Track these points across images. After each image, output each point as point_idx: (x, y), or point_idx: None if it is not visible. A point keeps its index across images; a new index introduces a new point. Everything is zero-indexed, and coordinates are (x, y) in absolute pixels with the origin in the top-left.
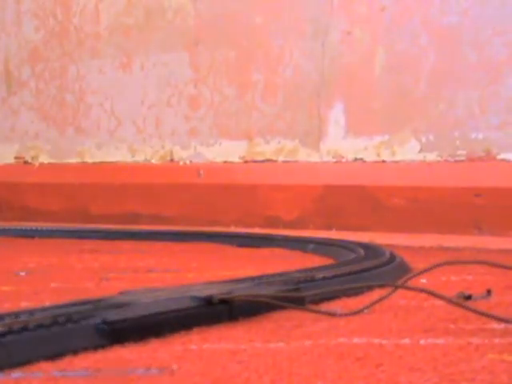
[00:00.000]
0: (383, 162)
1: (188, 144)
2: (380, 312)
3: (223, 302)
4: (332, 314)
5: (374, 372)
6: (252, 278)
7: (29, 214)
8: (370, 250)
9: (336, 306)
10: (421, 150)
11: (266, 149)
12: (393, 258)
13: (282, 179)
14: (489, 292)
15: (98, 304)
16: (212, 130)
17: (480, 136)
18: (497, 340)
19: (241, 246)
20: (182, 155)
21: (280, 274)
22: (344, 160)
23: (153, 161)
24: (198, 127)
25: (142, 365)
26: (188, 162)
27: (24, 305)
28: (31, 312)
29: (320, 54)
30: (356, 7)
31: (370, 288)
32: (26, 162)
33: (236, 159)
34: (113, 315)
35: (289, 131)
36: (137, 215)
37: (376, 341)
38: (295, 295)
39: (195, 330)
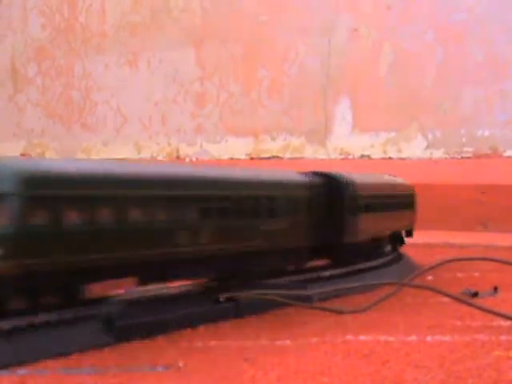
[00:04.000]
0: (390, 158)
1: (194, 141)
2: (386, 309)
3: (230, 299)
4: (339, 312)
5: (381, 369)
6: None
7: None
8: None
9: (343, 303)
10: (427, 147)
11: (273, 146)
12: (399, 255)
13: None
14: (495, 289)
15: (104, 302)
16: (218, 127)
17: (486, 133)
18: (503, 337)
19: None
20: (188, 152)
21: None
22: (351, 157)
23: (159, 157)
24: (204, 124)
25: (148, 362)
26: (194, 158)
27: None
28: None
29: (326, 52)
30: (362, 5)
31: (376, 286)
32: None
33: (242, 156)
34: (119, 313)
35: (295, 128)
36: None
37: (382, 338)
38: (302, 293)
39: (202, 327)
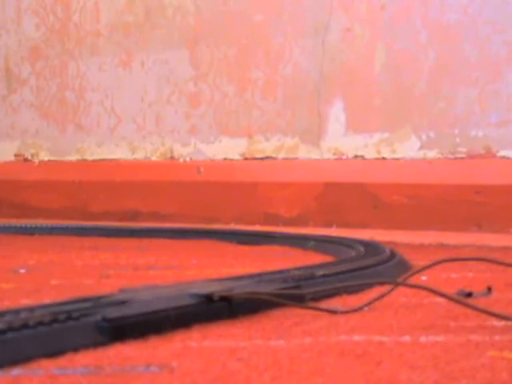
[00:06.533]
0: (383, 159)
1: (188, 141)
2: (380, 309)
3: (223, 299)
4: (332, 312)
5: (374, 369)
6: (252, 276)
7: (29, 212)
8: (370, 247)
9: (336, 303)
10: (421, 148)
11: (266, 146)
12: (393, 255)
13: (282, 176)
14: (489, 289)
15: (98, 301)
16: (212, 127)
17: (480, 133)
18: (497, 337)
19: (241, 243)
20: (182, 152)
21: (280, 272)
22: (344, 157)
23: (153, 158)
24: (198, 124)
25: (142, 362)
26: (188, 159)
27: (24, 302)
28: (31, 309)
29: (320, 52)
30: (356, 5)
31: (370, 285)
32: (26, 160)
33: (236, 156)
34: (113, 312)
35: (289, 128)
36: (137, 212)
37: (376, 338)
38: (295, 293)
39: (195, 327)
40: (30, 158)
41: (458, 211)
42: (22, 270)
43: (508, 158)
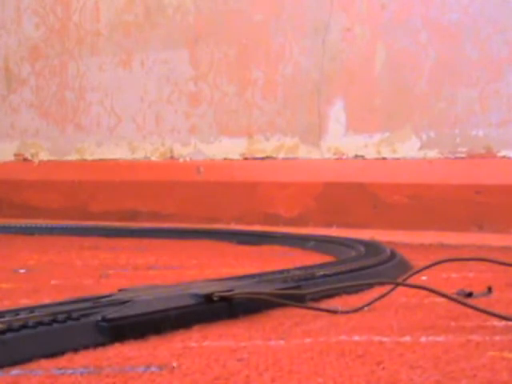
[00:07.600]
0: (384, 159)
1: (188, 141)
2: (380, 309)
3: (223, 299)
4: (332, 312)
5: (375, 369)
6: (252, 276)
7: (29, 212)
8: (371, 247)
9: (336, 303)
10: (421, 148)
11: (267, 146)
12: (393, 255)
13: (282, 176)
14: (489, 289)
15: (97, 301)
16: (212, 127)
17: (480, 133)
18: (497, 337)
19: (241, 243)
20: (182, 152)
21: (280, 272)
22: (344, 157)
23: (153, 158)
24: (198, 124)
25: (142, 362)
26: (188, 159)
27: (24, 302)
28: (31, 309)
29: (320, 52)
30: (356, 5)
31: (370, 285)
32: (25, 160)
33: (236, 156)
34: (113, 313)
35: (289, 128)
36: (137, 212)
37: (376, 338)
38: (295, 293)
39: (195, 327)
40: (29, 157)
41: (458, 211)
42: (22, 270)
43: (508, 158)
